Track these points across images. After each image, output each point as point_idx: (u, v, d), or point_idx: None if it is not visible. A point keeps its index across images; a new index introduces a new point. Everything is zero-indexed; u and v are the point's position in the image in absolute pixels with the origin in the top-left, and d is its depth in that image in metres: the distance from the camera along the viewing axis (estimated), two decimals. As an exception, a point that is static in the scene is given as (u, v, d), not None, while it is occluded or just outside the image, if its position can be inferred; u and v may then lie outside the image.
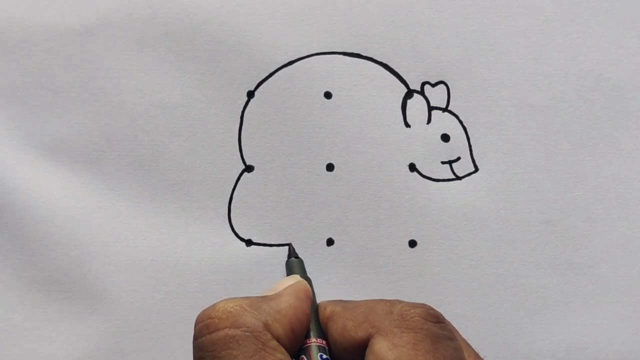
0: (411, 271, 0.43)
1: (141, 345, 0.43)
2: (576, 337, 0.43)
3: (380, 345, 0.32)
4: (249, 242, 0.43)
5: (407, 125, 0.44)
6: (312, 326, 0.35)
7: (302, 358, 0.34)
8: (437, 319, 0.33)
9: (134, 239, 0.43)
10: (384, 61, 0.44)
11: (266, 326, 0.32)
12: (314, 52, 0.44)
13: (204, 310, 0.33)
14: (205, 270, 0.43)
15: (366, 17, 0.44)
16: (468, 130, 0.44)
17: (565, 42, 0.44)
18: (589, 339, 0.43)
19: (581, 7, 0.44)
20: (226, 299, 0.33)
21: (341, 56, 0.44)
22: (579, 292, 0.43)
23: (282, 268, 0.43)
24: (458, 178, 0.44)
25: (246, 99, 0.44)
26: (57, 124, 0.44)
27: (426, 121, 0.44)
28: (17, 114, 0.44)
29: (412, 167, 0.44)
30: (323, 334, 0.35)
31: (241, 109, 0.44)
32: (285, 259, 0.43)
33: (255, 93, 0.44)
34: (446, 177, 0.44)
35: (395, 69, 0.44)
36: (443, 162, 0.44)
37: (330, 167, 0.44)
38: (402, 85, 0.44)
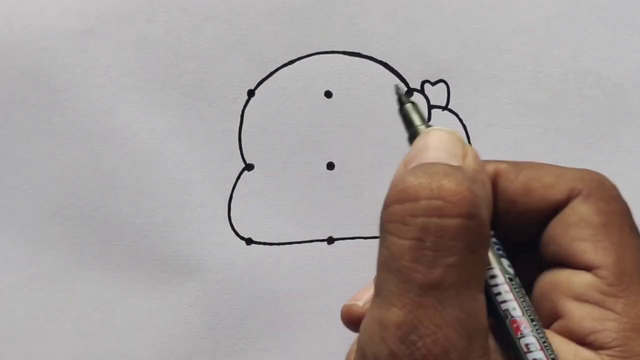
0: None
1: (142, 346, 0.43)
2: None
3: (586, 209, 0.29)
4: (249, 241, 0.43)
5: (407, 124, 0.44)
6: None
7: None
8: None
9: (134, 237, 0.43)
10: (384, 60, 0.44)
11: (486, 217, 0.28)
12: (314, 52, 0.44)
13: (429, 185, 0.27)
14: (205, 269, 0.43)
15: (366, 16, 0.44)
16: (468, 128, 0.44)
17: (565, 39, 0.44)
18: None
19: (581, 4, 0.44)
20: (448, 176, 0.27)
21: (341, 55, 0.44)
22: (579, 290, 0.43)
23: (283, 267, 0.43)
24: (458, 176, 0.44)
25: (246, 97, 0.44)
26: (56, 123, 0.44)
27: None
28: (16, 112, 0.44)
29: (412, 166, 0.44)
30: None
31: (241, 107, 0.44)
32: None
33: (256, 92, 0.44)
34: (446, 176, 0.44)
35: (395, 68, 0.44)
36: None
37: (330, 166, 0.44)
38: (402, 84, 0.44)
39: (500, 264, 0.28)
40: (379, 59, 0.44)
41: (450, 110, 0.44)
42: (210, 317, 0.43)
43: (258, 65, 0.44)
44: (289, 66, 0.44)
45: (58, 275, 0.43)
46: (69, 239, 0.43)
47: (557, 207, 0.30)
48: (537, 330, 0.27)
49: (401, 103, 0.31)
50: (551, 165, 0.31)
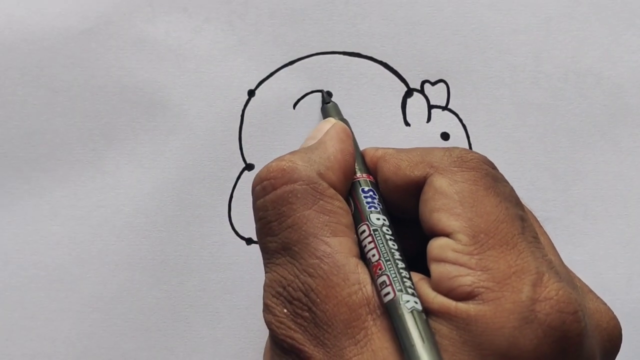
0: (411, 269, 0.43)
1: (141, 345, 0.43)
2: (577, 335, 0.43)
3: (440, 182, 0.33)
4: (249, 241, 0.43)
5: (407, 124, 0.44)
6: (357, 165, 0.36)
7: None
8: (494, 166, 0.34)
9: (134, 237, 0.43)
10: (384, 60, 0.44)
11: (320, 176, 0.34)
12: (314, 52, 0.44)
13: (258, 174, 0.34)
14: (206, 269, 0.43)
15: (366, 17, 0.44)
16: (468, 128, 0.44)
17: (565, 40, 0.44)
18: (589, 336, 0.43)
19: (581, 4, 0.44)
20: (276, 159, 0.34)
21: (341, 55, 0.44)
22: (579, 289, 0.43)
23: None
24: (458, 176, 0.44)
25: (246, 97, 0.44)
26: (57, 123, 0.44)
27: (426, 120, 0.44)
28: (17, 112, 0.44)
29: (412, 166, 0.44)
30: (369, 171, 0.36)
31: (241, 107, 0.44)
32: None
33: (256, 92, 0.44)
34: (446, 176, 0.44)
35: (395, 68, 0.44)
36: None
37: (330, 166, 0.44)
38: (402, 84, 0.44)
39: (368, 218, 0.33)
40: (379, 59, 0.44)
41: (450, 110, 0.44)
42: (211, 316, 0.43)
43: (258, 65, 0.44)
44: (289, 66, 0.44)
45: (58, 275, 0.43)
46: (69, 238, 0.43)
47: (419, 184, 0.34)
48: (390, 269, 0.31)
49: (324, 102, 0.43)
50: (426, 147, 0.35)
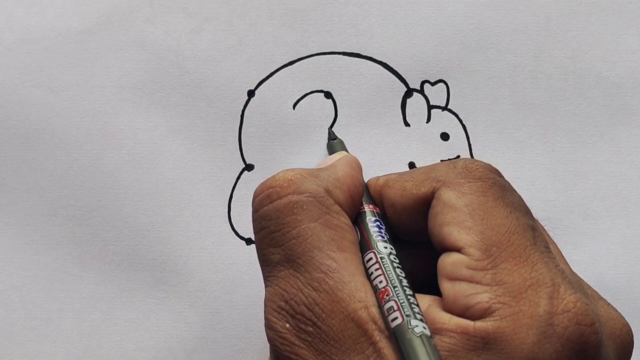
0: (411, 269, 0.43)
1: (142, 345, 0.43)
2: (576, 335, 0.43)
3: (448, 195, 0.32)
4: (249, 241, 0.43)
5: (407, 124, 0.44)
6: (364, 197, 0.36)
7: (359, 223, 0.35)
8: (499, 173, 0.33)
9: (133, 237, 0.43)
10: (384, 60, 0.44)
11: (328, 192, 0.33)
12: (314, 52, 0.44)
13: (263, 182, 0.33)
14: (205, 269, 0.43)
15: (366, 17, 0.44)
16: (468, 128, 0.44)
17: (565, 39, 0.44)
18: (589, 337, 0.43)
19: (581, 4, 0.44)
20: (284, 170, 0.33)
21: (341, 56, 0.44)
22: (579, 290, 0.43)
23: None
24: (458, 176, 0.44)
25: (246, 97, 0.44)
26: (56, 123, 0.44)
27: (426, 120, 0.44)
28: (16, 112, 0.44)
29: (412, 166, 0.44)
30: (375, 202, 0.36)
31: (241, 107, 0.44)
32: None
33: (256, 92, 0.44)
34: (446, 176, 0.44)
35: (395, 68, 0.44)
36: (442, 161, 0.44)
37: (330, 166, 0.44)
38: (402, 84, 0.44)
39: (376, 247, 0.33)
40: (379, 59, 0.44)
41: (450, 111, 0.44)
42: (210, 317, 0.43)
43: (258, 65, 0.44)
44: (289, 66, 0.44)
45: (58, 275, 0.43)
46: (69, 239, 0.43)
47: (426, 200, 0.33)
48: (398, 295, 0.31)
49: (330, 139, 0.43)
50: (429, 165, 0.35)
